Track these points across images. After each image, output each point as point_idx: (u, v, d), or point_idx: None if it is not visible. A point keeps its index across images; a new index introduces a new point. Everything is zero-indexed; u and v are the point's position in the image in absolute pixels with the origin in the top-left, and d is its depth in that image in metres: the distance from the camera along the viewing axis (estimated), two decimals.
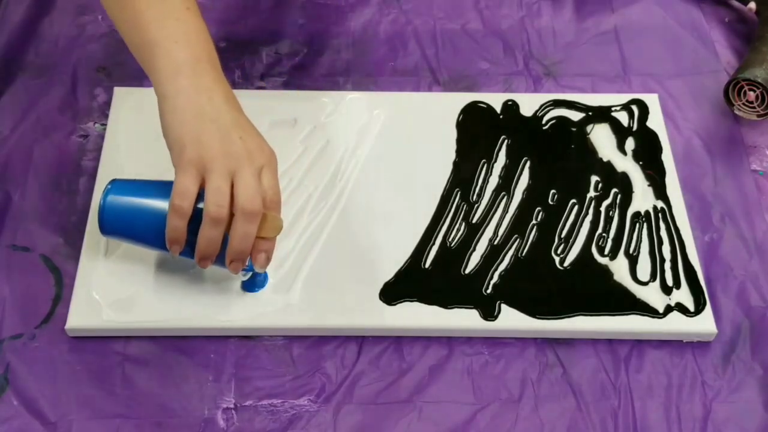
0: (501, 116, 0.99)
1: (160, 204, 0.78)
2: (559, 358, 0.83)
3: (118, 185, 0.81)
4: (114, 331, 0.82)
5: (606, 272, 0.87)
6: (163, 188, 0.79)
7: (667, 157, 0.96)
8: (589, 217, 0.91)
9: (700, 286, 0.86)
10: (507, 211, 0.91)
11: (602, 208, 0.92)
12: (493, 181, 0.93)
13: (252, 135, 0.78)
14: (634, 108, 1.00)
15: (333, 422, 0.79)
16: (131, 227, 0.80)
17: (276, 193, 0.78)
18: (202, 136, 0.75)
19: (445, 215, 0.90)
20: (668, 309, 0.85)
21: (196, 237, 0.76)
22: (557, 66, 1.06)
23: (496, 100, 1.00)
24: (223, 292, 0.84)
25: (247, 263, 0.78)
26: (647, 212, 0.91)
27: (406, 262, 0.87)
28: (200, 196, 0.76)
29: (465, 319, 0.84)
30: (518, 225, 0.90)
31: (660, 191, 0.93)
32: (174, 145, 0.76)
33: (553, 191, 0.93)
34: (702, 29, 1.10)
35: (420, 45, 1.07)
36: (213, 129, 0.76)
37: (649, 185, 0.93)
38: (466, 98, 1.00)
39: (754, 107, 0.97)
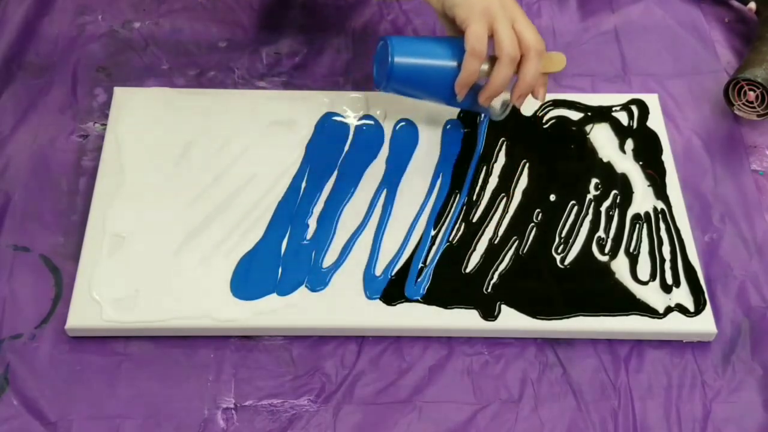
0: None
1: (442, 55, 0.88)
2: (559, 358, 0.83)
3: (397, 40, 0.89)
4: (114, 331, 0.82)
5: (606, 272, 0.87)
6: (439, 42, 0.90)
7: (667, 157, 0.96)
8: (589, 218, 0.91)
9: (700, 286, 0.86)
10: (507, 211, 0.91)
11: (602, 209, 0.92)
12: (493, 181, 0.93)
13: None
14: (634, 108, 1.00)
15: (333, 422, 0.79)
16: (416, 77, 0.89)
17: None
18: None
19: (445, 215, 0.90)
20: (668, 309, 0.85)
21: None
22: None
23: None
24: (223, 292, 0.84)
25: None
26: (647, 213, 0.91)
27: (406, 262, 0.87)
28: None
29: (465, 319, 0.84)
30: (518, 225, 0.90)
31: (660, 191, 0.93)
32: (463, 4, 0.86)
33: (552, 192, 0.93)
34: (702, 29, 1.10)
35: None
36: None
37: (649, 185, 0.93)
38: None
39: (754, 107, 0.97)
